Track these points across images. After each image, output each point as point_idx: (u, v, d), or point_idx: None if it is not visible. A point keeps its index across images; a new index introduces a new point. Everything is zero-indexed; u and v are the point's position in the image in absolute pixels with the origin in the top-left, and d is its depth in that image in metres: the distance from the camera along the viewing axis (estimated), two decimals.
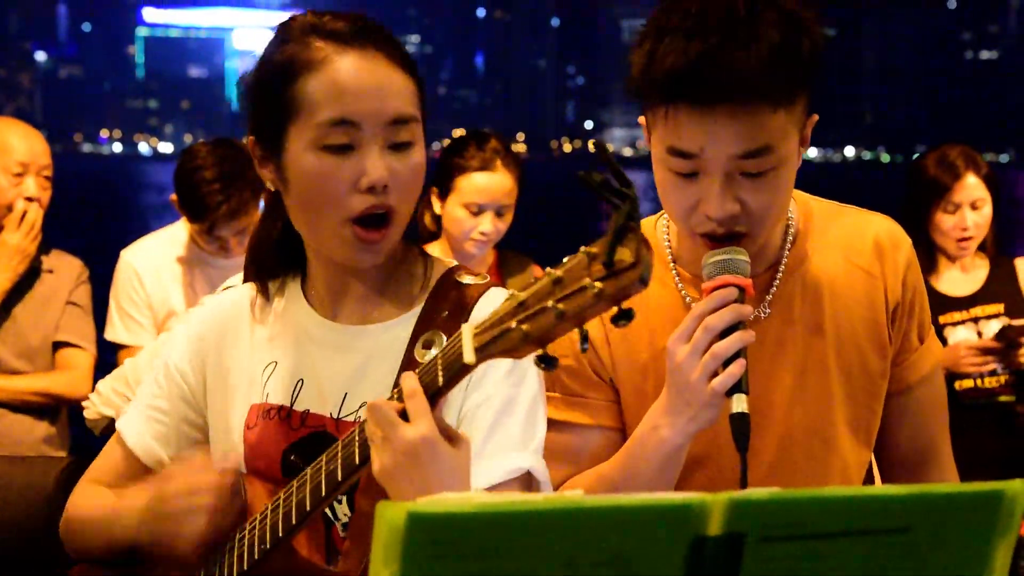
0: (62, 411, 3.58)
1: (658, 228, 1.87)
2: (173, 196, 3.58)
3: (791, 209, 1.84)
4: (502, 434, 1.56)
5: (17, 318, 3.47)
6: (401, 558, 0.85)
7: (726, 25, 1.60)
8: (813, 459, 1.80)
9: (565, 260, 1.26)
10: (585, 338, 1.26)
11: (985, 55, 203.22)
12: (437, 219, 3.47)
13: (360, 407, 1.63)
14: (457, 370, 1.36)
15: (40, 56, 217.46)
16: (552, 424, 1.80)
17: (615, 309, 1.23)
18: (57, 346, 3.53)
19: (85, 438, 3.69)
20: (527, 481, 1.59)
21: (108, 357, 3.67)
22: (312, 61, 1.57)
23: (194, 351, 1.76)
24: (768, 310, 1.79)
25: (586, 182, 1.24)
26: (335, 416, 1.64)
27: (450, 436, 1.40)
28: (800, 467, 1.80)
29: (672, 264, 1.83)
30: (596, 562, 0.90)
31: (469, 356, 1.33)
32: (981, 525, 0.97)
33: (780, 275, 1.80)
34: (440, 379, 1.38)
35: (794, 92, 1.64)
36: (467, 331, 1.34)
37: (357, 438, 1.46)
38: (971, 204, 3.79)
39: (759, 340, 1.73)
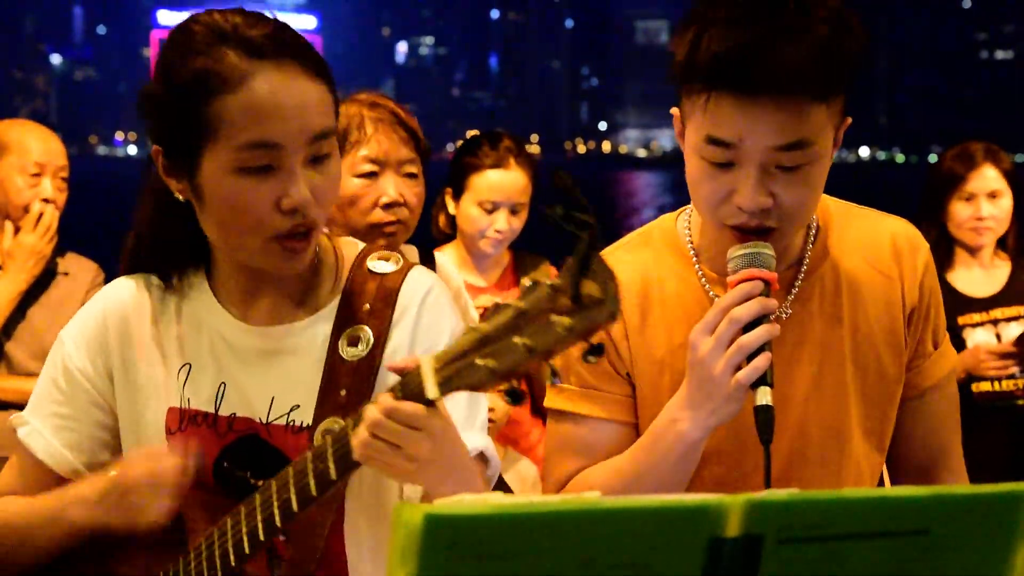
0: None
1: (679, 223, 1.86)
2: None
3: None
4: (450, 413, 1.53)
5: (32, 320, 3.47)
6: (418, 559, 0.85)
7: (775, 16, 1.60)
8: (827, 459, 1.79)
9: (528, 286, 1.23)
10: (554, 373, 1.27)
11: (1000, 55, 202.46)
12: (451, 220, 3.47)
13: (292, 410, 1.60)
14: (420, 406, 1.36)
15: (55, 58, 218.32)
16: (566, 416, 1.80)
17: (586, 344, 1.21)
18: None
19: None
20: (482, 460, 1.61)
21: None
22: (227, 79, 1.49)
23: (95, 349, 1.68)
24: (789, 310, 1.78)
25: (548, 217, 1.21)
26: (264, 421, 1.61)
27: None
28: (813, 466, 1.79)
29: (695, 260, 1.82)
30: (613, 564, 0.89)
31: (432, 392, 1.32)
32: (1001, 527, 0.97)
33: (802, 274, 1.79)
34: None
35: (837, 88, 1.64)
36: (427, 364, 1.33)
37: (310, 469, 1.43)
38: (988, 194, 3.76)
39: (779, 337, 1.71)
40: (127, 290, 1.71)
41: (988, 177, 3.77)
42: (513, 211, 3.38)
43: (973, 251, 3.86)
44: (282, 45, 1.52)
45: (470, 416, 1.61)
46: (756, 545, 0.92)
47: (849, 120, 1.72)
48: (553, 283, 1.21)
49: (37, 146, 3.46)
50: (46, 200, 3.44)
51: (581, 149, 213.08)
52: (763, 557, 0.92)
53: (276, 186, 1.51)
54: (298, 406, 1.60)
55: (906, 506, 0.95)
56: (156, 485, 1.53)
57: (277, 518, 1.46)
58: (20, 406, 3.40)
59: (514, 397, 1.27)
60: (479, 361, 1.26)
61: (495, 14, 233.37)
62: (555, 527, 0.88)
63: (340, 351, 1.59)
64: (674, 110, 1.73)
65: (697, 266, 1.81)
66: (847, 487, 1.78)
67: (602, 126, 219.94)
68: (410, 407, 1.36)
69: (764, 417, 1.59)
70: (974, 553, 0.97)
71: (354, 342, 1.51)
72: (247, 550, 1.50)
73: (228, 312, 1.65)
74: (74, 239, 3.54)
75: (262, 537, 1.48)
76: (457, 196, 3.42)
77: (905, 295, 1.81)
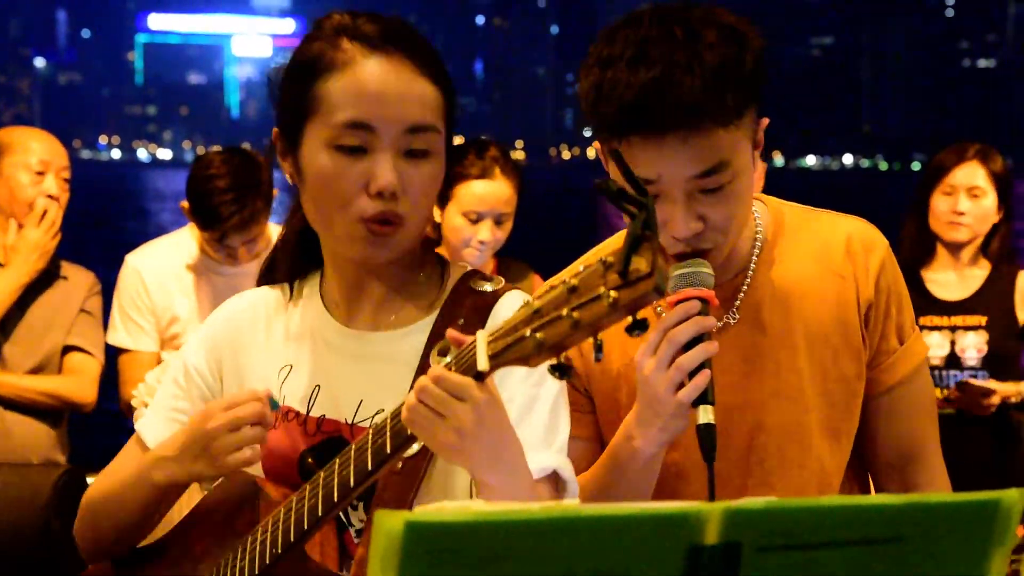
0: (64, 416, 3.59)
1: None
2: (184, 203, 3.59)
3: (760, 214, 1.85)
4: (526, 434, 1.55)
5: (30, 319, 3.49)
6: (398, 567, 0.85)
7: (667, 51, 1.62)
8: (788, 461, 1.81)
9: (581, 268, 1.26)
10: (599, 347, 1.27)
11: (983, 63, 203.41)
12: (437, 226, 3.48)
13: (376, 413, 1.63)
14: (472, 377, 1.37)
15: (39, 62, 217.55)
16: None
17: (630, 318, 1.23)
18: (66, 350, 3.54)
19: (84, 446, 3.70)
20: (553, 480, 1.59)
21: (109, 361, 3.67)
22: (336, 61, 1.58)
23: (210, 351, 1.76)
24: (737, 316, 1.81)
25: (603, 190, 1.25)
26: (349, 422, 1.64)
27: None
28: (775, 470, 1.81)
29: None
30: (593, 571, 0.90)
31: (483, 363, 1.34)
32: (977, 535, 0.98)
33: (748, 280, 1.82)
34: None
35: (742, 107, 1.66)
36: (481, 338, 1.35)
37: (370, 444, 1.47)
38: (969, 190, 3.74)
39: (730, 346, 1.76)
40: (247, 299, 1.79)
41: (973, 173, 3.75)
42: (497, 221, 3.38)
43: (954, 251, 3.84)
44: (395, 38, 1.60)
45: (549, 435, 1.60)
46: (735, 553, 0.92)
47: (766, 121, 1.74)
48: (605, 259, 1.23)
49: (40, 146, 3.53)
50: (51, 197, 3.48)
51: (566, 155, 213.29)
52: (741, 565, 0.92)
53: (367, 168, 1.56)
54: (383, 410, 1.62)
55: (882, 514, 0.95)
56: (239, 429, 1.57)
57: (335, 493, 1.49)
58: (12, 403, 3.42)
59: (562, 371, 1.29)
60: (528, 334, 1.28)
61: (480, 20, 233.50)
62: (535, 535, 0.88)
63: (430, 360, 1.60)
64: (596, 145, 1.76)
65: None
66: (810, 489, 1.81)
67: (587, 132, 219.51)
68: (457, 377, 1.38)
69: (705, 435, 1.62)
70: (949, 561, 0.98)
71: (444, 352, 1.53)
72: (306, 526, 1.53)
73: (332, 316, 1.70)
74: (60, 242, 3.55)
75: (320, 512, 1.51)
76: (442, 204, 3.43)
77: (860, 293, 1.82)
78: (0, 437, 3.40)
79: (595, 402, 1.84)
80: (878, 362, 1.85)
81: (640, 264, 1.20)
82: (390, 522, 0.85)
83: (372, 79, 1.57)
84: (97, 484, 1.77)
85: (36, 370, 3.49)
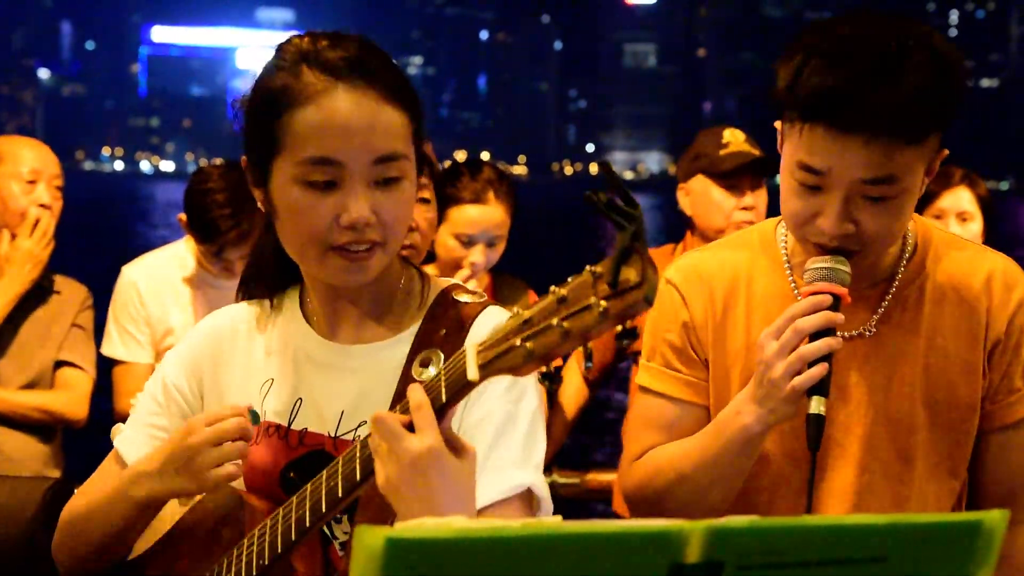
0: (57, 431, 3.58)
1: (778, 230, 1.94)
2: (181, 216, 3.59)
3: (910, 232, 1.89)
4: (503, 450, 1.56)
5: (21, 335, 3.46)
6: None
7: (876, 57, 1.67)
8: (890, 477, 1.85)
9: (570, 279, 1.27)
10: (589, 356, 1.28)
11: (986, 83, 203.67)
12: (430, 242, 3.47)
13: (359, 426, 1.64)
14: (461, 387, 1.37)
15: (43, 73, 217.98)
16: (649, 392, 1.92)
17: (619, 328, 1.24)
18: (58, 365, 3.53)
19: (79, 461, 3.69)
20: (527, 498, 1.60)
21: (103, 373, 3.67)
22: (300, 95, 1.56)
23: (190, 368, 1.76)
24: (874, 329, 1.85)
25: (591, 202, 1.25)
26: (332, 435, 1.65)
27: (456, 448, 1.40)
28: (876, 485, 1.85)
29: (787, 265, 1.90)
30: None
31: (473, 373, 1.34)
32: (959, 556, 0.98)
33: (890, 296, 1.85)
34: (443, 395, 1.39)
35: (928, 132, 1.70)
36: (471, 348, 1.36)
37: (358, 455, 1.47)
38: (958, 215, 3.78)
39: (860, 353, 1.82)
40: (227, 314, 1.79)
41: (961, 198, 3.80)
42: (490, 244, 3.38)
43: None
44: (359, 67, 1.57)
45: (525, 452, 1.60)
46: (716, 572, 0.92)
47: (946, 152, 1.78)
48: (595, 270, 1.24)
49: (31, 155, 3.49)
50: (43, 206, 3.45)
51: (568, 171, 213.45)
52: None
53: (337, 202, 1.56)
54: (365, 422, 1.63)
55: (865, 534, 0.95)
56: (220, 445, 1.57)
57: (323, 504, 1.50)
58: (3, 418, 3.40)
59: (551, 380, 1.29)
60: (519, 344, 1.29)
61: (484, 35, 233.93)
62: (516, 552, 0.88)
63: (412, 372, 1.62)
64: (777, 124, 1.81)
65: (789, 271, 1.89)
66: (910, 509, 1.84)
67: (589, 148, 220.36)
68: (387, 422, 1.38)
69: (815, 425, 1.69)
70: None
71: (426, 363, 1.54)
72: (294, 536, 1.53)
73: (313, 329, 1.71)
74: (61, 253, 3.54)
75: (308, 524, 1.52)
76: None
77: (990, 327, 1.85)
78: None
79: (710, 373, 1.90)
80: (1000, 399, 1.87)
81: (630, 274, 1.21)
82: (371, 538, 0.85)
83: (336, 113, 1.55)
84: (75, 501, 1.77)
85: (29, 386, 3.46)
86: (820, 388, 1.69)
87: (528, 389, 1.62)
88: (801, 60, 1.70)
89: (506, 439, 1.58)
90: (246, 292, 1.78)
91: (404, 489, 1.38)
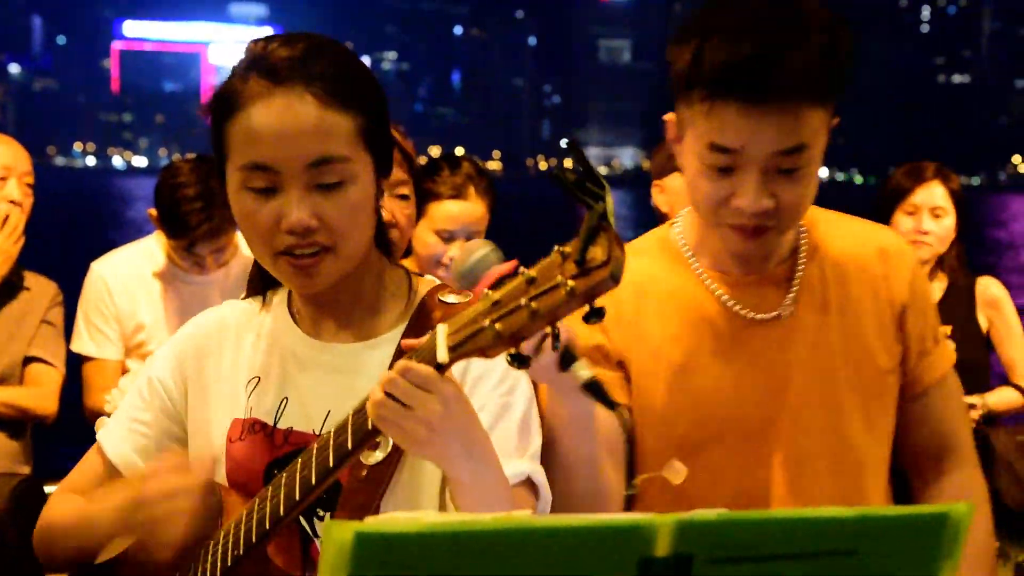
0: (27, 427, 3.55)
1: (672, 230, 1.95)
2: (152, 210, 3.57)
3: None
4: (500, 441, 1.55)
5: None
6: None
7: (779, 25, 1.67)
8: (826, 455, 1.85)
9: (540, 260, 1.27)
10: (557, 336, 1.28)
11: (957, 79, 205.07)
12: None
13: None
14: (433, 369, 1.38)
15: (14, 68, 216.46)
16: None
17: (587, 307, 1.24)
18: (28, 361, 3.51)
19: (48, 458, 3.66)
20: (528, 487, 1.59)
21: (72, 369, 3.65)
22: (240, 101, 1.55)
23: (176, 366, 1.75)
24: (792, 309, 1.85)
25: (559, 180, 1.25)
26: (318, 433, 1.63)
27: None
28: (815, 462, 1.84)
29: (691, 259, 1.89)
30: None
31: (443, 355, 1.35)
32: (926, 548, 0.98)
33: (799, 276, 1.86)
34: None
35: (835, 91, 1.72)
36: (441, 331, 1.36)
37: (332, 442, 1.47)
38: (931, 210, 3.82)
39: (781, 335, 1.82)
40: (216, 314, 1.79)
41: (934, 193, 3.83)
42: (469, 239, 3.38)
43: None
44: (299, 70, 1.54)
45: (521, 442, 1.61)
46: (686, 565, 0.92)
47: (837, 119, 1.79)
48: (563, 249, 1.24)
49: (1, 151, 3.43)
50: (13, 203, 3.41)
51: (543, 166, 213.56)
52: None
53: (277, 207, 1.55)
54: None
55: (834, 527, 0.96)
56: (169, 502, 1.53)
57: (297, 492, 1.49)
58: None
59: (519, 362, 1.30)
60: (487, 325, 1.29)
61: (458, 30, 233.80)
62: (486, 546, 0.88)
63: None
64: (668, 116, 1.80)
65: (695, 264, 1.89)
66: (850, 481, 1.86)
67: (564, 143, 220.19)
68: (423, 368, 1.38)
69: (595, 391, 1.42)
70: (901, 573, 0.98)
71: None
72: (268, 526, 1.53)
73: (299, 328, 1.70)
74: (32, 250, 3.51)
75: (282, 512, 1.51)
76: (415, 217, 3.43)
77: (894, 293, 1.89)
78: None
79: (631, 372, 1.86)
80: (917, 361, 1.91)
81: (597, 253, 1.21)
82: (340, 532, 0.84)
83: (266, 119, 1.53)
84: (58, 507, 1.76)
85: None
86: (568, 356, 1.42)
87: (521, 380, 1.62)
88: (700, 40, 1.69)
89: (502, 430, 1.58)
90: (249, 289, 1.78)
91: (452, 431, 1.39)
